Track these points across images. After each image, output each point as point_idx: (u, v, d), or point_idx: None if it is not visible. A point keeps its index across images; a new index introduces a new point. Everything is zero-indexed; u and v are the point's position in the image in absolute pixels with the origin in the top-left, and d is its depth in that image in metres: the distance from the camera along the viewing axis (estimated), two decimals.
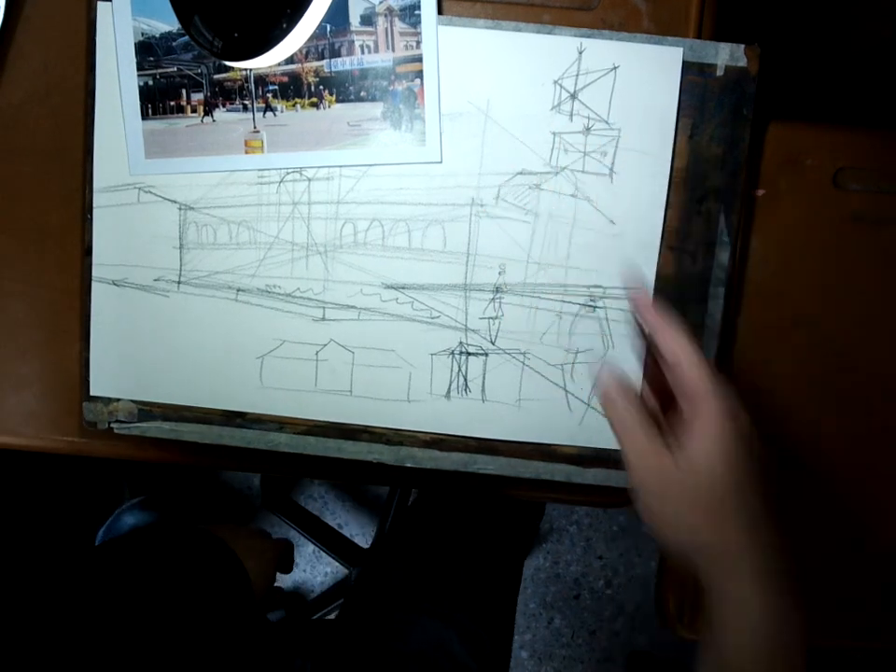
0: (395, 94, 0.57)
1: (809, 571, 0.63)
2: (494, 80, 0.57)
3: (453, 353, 0.60)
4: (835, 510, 0.63)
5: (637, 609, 1.50)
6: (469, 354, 0.60)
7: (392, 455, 0.61)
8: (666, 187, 0.58)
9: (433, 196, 0.58)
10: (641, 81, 0.57)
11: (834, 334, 0.61)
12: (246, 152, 0.59)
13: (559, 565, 1.50)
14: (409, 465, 0.61)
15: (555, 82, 0.57)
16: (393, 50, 0.57)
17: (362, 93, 0.57)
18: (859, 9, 0.66)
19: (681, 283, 0.59)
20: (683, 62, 0.57)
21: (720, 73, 0.57)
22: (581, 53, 0.57)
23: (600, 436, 0.60)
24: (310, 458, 0.62)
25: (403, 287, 0.60)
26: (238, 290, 0.60)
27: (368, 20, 0.57)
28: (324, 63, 0.57)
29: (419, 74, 0.57)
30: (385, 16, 0.56)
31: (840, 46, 0.67)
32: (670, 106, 0.57)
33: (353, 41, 0.57)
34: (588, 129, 0.57)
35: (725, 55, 0.57)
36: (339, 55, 0.57)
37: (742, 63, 0.57)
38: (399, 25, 0.56)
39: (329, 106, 0.58)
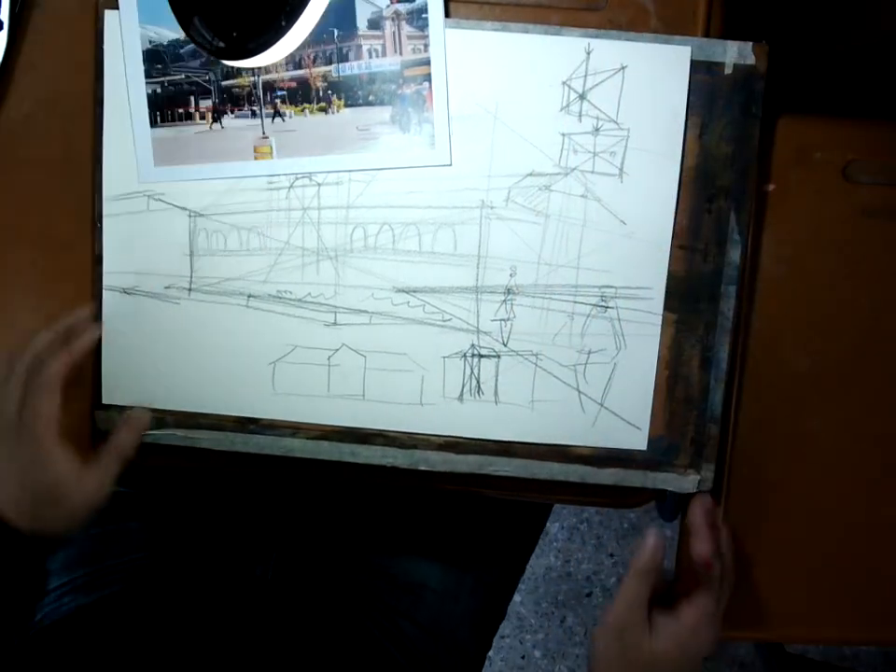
0: (403, 98, 0.57)
1: (824, 566, 0.63)
2: (502, 82, 0.57)
3: (465, 355, 0.60)
4: (851, 505, 0.63)
5: None
6: (481, 356, 0.60)
7: (406, 458, 0.61)
8: (676, 186, 0.58)
9: (443, 199, 0.58)
10: (650, 81, 0.57)
11: (849, 328, 0.61)
12: (256, 158, 0.59)
13: (570, 563, 1.50)
14: (423, 468, 0.61)
15: (564, 83, 0.57)
16: (401, 54, 0.57)
17: (371, 97, 0.57)
18: (864, 2, 0.66)
19: (693, 282, 0.59)
20: (691, 61, 0.56)
21: (728, 71, 0.57)
22: (588, 54, 0.57)
23: (613, 436, 0.60)
24: (323, 463, 0.62)
25: (414, 291, 0.60)
26: (249, 296, 0.60)
27: (375, 24, 0.56)
28: (332, 67, 0.57)
29: (427, 77, 0.57)
30: (393, 20, 0.56)
31: (847, 38, 0.67)
32: (679, 106, 0.57)
33: (360, 45, 0.57)
34: (597, 129, 0.57)
35: (733, 53, 0.56)
36: (347, 59, 0.57)
37: (750, 60, 0.57)
38: (407, 29, 0.56)
39: (338, 111, 0.58)
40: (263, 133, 0.58)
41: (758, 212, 0.60)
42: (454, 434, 0.61)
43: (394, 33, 0.57)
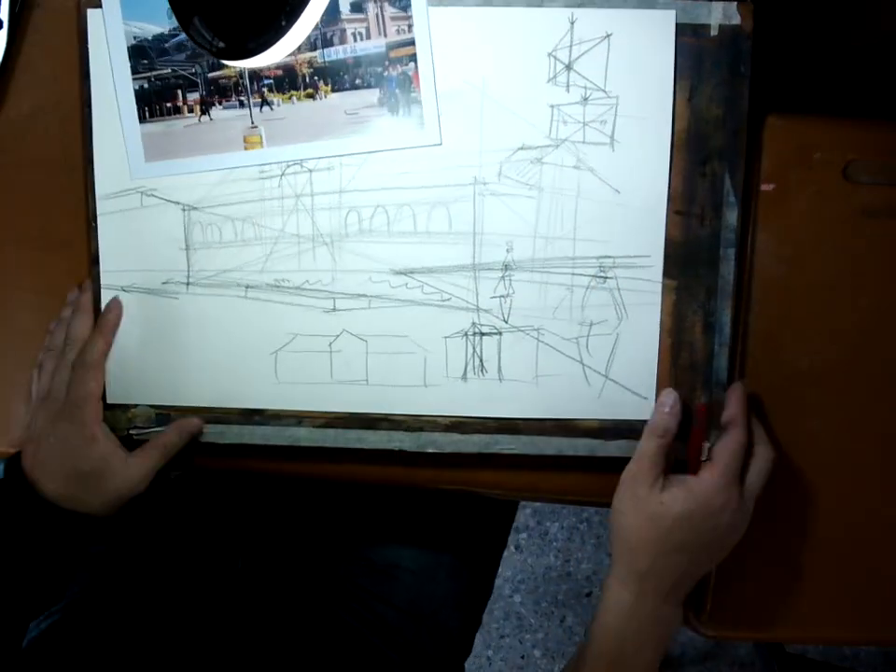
0: (390, 80, 0.57)
1: (824, 566, 0.63)
2: (488, 57, 0.57)
3: (466, 334, 0.60)
4: (851, 505, 0.62)
5: None
6: (482, 334, 0.60)
7: (413, 441, 0.61)
8: (669, 151, 0.57)
9: (436, 177, 0.58)
10: (635, 47, 0.57)
11: (849, 328, 0.60)
12: (246, 148, 0.58)
13: (570, 563, 1.50)
14: (430, 450, 0.61)
15: (549, 54, 0.57)
16: (385, 36, 0.57)
17: (357, 81, 0.57)
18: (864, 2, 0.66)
19: (691, 246, 0.58)
20: (676, 24, 0.56)
21: (714, 32, 0.56)
22: (572, 24, 0.56)
23: (620, 407, 0.60)
24: (331, 451, 0.62)
25: (412, 272, 0.59)
26: (247, 287, 0.60)
27: (358, 7, 0.56)
28: (317, 53, 0.57)
29: (413, 57, 0.57)
30: (375, 2, 0.56)
31: (846, 38, 0.66)
32: (666, 70, 0.57)
33: (344, 29, 0.57)
34: (586, 99, 0.57)
35: (718, 14, 0.56)
36: (331, 44, 0.57)
37: (736, 20, 0.56)
38: (390, 10, 0.56)
39: (326, 96, 0.58)
40: (252, 123, 0.58)
41: (757, 211, 0.59)
42: (459, 414, 0.60)
43: (377, 15, 0.57)
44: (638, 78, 0.57)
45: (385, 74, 0.57)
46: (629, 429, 0.60)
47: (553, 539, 1.50)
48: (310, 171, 0.59)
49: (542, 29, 0.57)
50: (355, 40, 0.57)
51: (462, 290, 0.59)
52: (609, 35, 0.56)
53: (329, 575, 0.73)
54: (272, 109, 0.58)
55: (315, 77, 0.57)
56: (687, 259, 0.58)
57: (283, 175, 0.59)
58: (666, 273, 0.58)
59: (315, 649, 0.66)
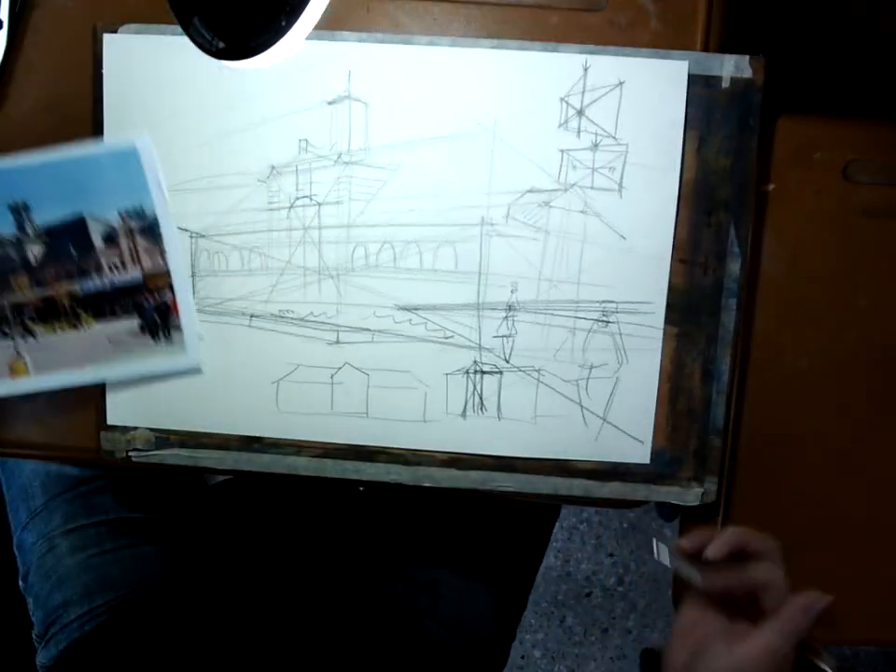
0: (150, 308, 0.59)
1: (824, 567, 0.63)
2: (501, 99, 0.57)
3: (467, 372, 0.60)
4: (852, 505, 0.63)
5: (649, 605, 1.50)
6: (483, 372, 0.60)
7: (410, 475, 0.61)
8: (675, 200, 0.58)
9: (443, 216, 0.59)
10: (647, 96, 0.57)
11: (849, 328, 0.61)
12: (12, 376, 0.60)
13: (570, 563, 1.50)
14: (427, 484, 0.61)
15: (562, 99, 0.57)
16: (141, 266, 0.58)
17: (117, 309, 0.59)
18: (864, 2, 0.66)
19: (694, 295, 0.59)
20: (689, 75, 0.57)
21: (725, 85, 0.57)
22: (586, 70, 0.57)
23: (616, 450, 0.60)
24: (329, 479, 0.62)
25: (416, 308, 0.60)
26: (252, 316, 0.60)
27: (111, 239, 0.58)
28: (75, 284, 0.58)
29: (170, 285, 0.59)
30: (127, 235, 0.57)
31: (847, 38, 0.67)
32: (677, 120, 0.57)
33: (100, 260, 0.58)
34: (596, 145, 0.58)
35: (730, 67, 0.57)
36: (88, 275, 0.58)
37: (747, 73, 0.57)
38: (142, 242, 0.58)
39: (88, 326, 0.59)
40: (17, 352, 0.59)
41: (758, 212, 0.60)
42: (457, 450, 0.61)
43: (130, 247, 0.58)
44: (649, 127, 0.57)
45: (144, 303, 0.59)
46: (624, 471, 0.61)
47: (553, 539, 1.50)
48: (319, 204, 0.59)
49: (556, 74, 0.57)
50: (111, 271, 0.58)
51: (465, 328, 0.60)
52: (621, 83, 0.57)
53: (375, 590, 0.74)
54: (36, 339, 0.59)
55: (77, 308, 0.59)
56: (689, 307, 0.59)
57: (292, 206, 0.59)
58: (668, 319, 0.59)
59: (367, 660, 0.67)
